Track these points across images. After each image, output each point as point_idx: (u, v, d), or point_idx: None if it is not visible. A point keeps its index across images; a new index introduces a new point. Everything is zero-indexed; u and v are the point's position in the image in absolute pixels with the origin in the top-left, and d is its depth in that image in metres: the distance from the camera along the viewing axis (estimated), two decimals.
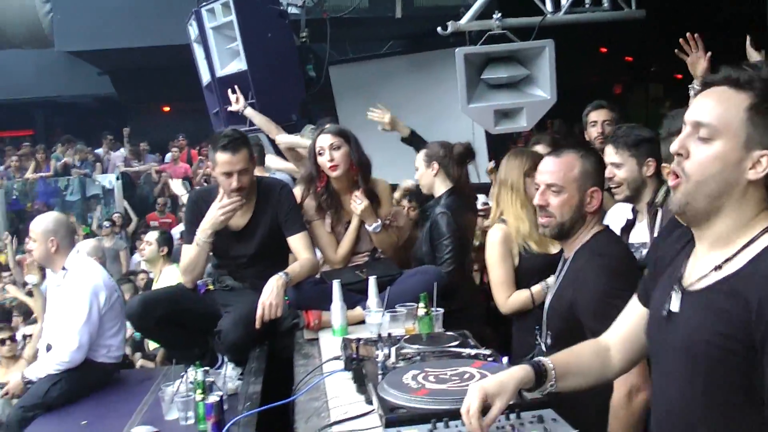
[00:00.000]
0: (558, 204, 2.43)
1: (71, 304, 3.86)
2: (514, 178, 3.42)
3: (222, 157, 3.50)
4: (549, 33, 5.10)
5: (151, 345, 5.30)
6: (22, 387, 3.94)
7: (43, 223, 4.02)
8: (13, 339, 5.27)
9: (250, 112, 5.24)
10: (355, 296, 3.37)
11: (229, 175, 3.51)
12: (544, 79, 4.97)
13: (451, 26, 5.25)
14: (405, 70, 7.55)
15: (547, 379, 1.78)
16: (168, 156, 12.43)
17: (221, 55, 5.78)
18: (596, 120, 4.43)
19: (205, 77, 6.06)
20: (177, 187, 7.31)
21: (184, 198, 6.80)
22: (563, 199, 2.42)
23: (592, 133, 4.42)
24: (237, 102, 5.31)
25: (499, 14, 5.10)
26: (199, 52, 6.10)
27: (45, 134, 13.45)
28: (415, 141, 4.48)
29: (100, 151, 12.66)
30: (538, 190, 2.48)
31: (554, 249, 3.23)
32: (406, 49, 8.39)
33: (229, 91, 5.35)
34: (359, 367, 2.48)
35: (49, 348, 4.00)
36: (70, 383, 3.82)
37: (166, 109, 15.09)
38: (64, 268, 4.00)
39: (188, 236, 3.68)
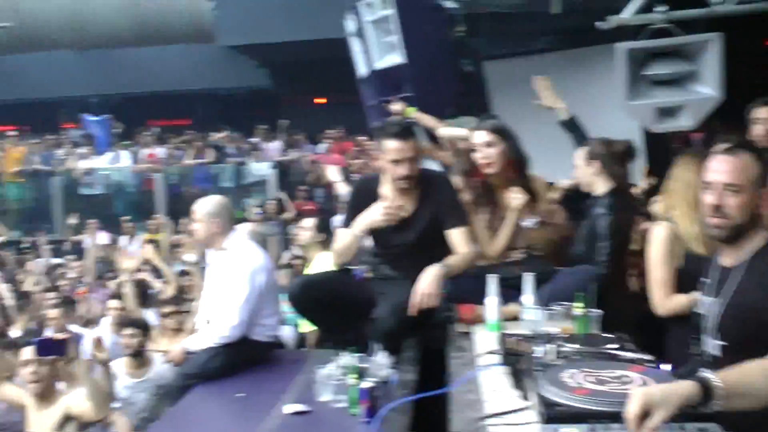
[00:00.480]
0: (736, 205, 2.30)
1: (232, 282, 4.00)
2: (691, 179, 3.27)
3: (392, 144, 3.56)
4: (713, 25, 4.85)
5: (304, 328, 5.44)
6: (184, 356, 4.14)
7: (207, 206, 4.17)
8: (179, 312, 5.56)
9: (418, 116, 5.16)
10: (509, 292, 3.33)
11: (397, 162, 3.57)
12: (710, 75, 4.73)
13: (612, 21, 5.08)
14: (561, 66, 7.36)
15: (714, 398, 1.72)
16: (322, 146, 12.69)
17: (378, 48, 5.86)
18: (764, 117, 4.16)
19: (362, 70, 6.16)
20: (333, 173, 7.46)
21: (339, 185, 6.96)
22: (742, 199, 2.30)
23: (757, 130, 4.14)
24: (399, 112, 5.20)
25: (666, 7, 4.90)
26: (356, 45, 6.21)
27: (202, 124, 14.11)
28: (574, 128, 4.34)
29: (255, 140, 13.10)
30: (709, 189, 2.35)
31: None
32: (561, 45, 8.21)
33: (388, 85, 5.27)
34: (516, 362, 2.46)
35: (208, 323, 4.17)
36: (227, 357, 3.95)
37: (319, 101, 15.46)
38: (224, 249, 4.16)
39: (347, 221, 3.76)
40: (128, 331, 4.98)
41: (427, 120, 5.16)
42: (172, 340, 5.31)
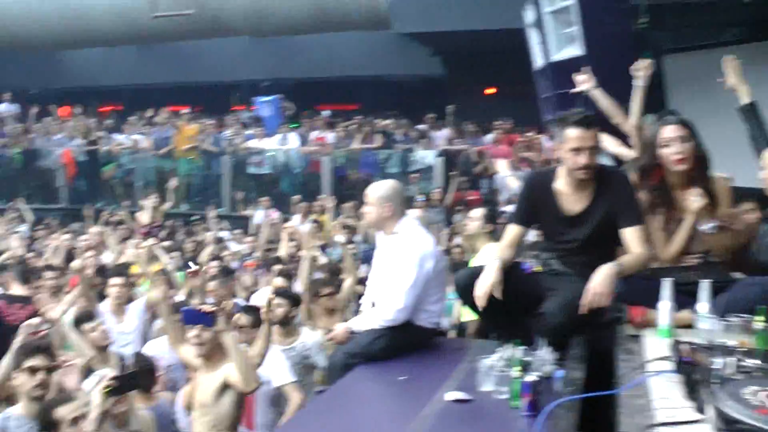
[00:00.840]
0: None
1: (401, 266, 4.04)
2: None
3: (574, 133, 3.52)
4: None
5: (465, 317, 5.48)
6: (347, 336, 4.25)
7: (380, 190, 4.22)
8: (336, 294, 5.76)
9: (598, 94, 4.85)
10: (682, 298, 3.21)
11: (578, 150, 3.51)
12: None
13: None
14: (746, 60, 6.91)
15: None
16: (489, 137, 12.57)
17: (557, 40, 5.76)
18: None
19: (538, 62, 6.09)
20: (503, 167, 7.43)
21: (509, 179, 6.91)
22: None
23: None
24: (586, 82, 4.89)
25: None
26: (533, 36, 6.14)
27: (370, 109, 14.34)
28: (753, 115, 4.05)
29: (423, 128, 13.14)
30: None
31: None
32: (751, 37, 7.70)
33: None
34: (691, 372, 2.38)
35: (373, 305, 4.26)
36: (391, 340, 4.02)
37: (489, 91, 15.35)
38: (394, 233, 4.21)
39: (518, 215, 3.77)
40: (277, 300, 5.21)
41: (609, 105, 4.82)
42: (327, 319, 5.52)
